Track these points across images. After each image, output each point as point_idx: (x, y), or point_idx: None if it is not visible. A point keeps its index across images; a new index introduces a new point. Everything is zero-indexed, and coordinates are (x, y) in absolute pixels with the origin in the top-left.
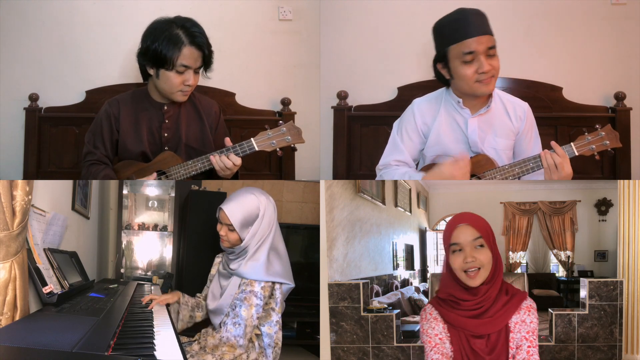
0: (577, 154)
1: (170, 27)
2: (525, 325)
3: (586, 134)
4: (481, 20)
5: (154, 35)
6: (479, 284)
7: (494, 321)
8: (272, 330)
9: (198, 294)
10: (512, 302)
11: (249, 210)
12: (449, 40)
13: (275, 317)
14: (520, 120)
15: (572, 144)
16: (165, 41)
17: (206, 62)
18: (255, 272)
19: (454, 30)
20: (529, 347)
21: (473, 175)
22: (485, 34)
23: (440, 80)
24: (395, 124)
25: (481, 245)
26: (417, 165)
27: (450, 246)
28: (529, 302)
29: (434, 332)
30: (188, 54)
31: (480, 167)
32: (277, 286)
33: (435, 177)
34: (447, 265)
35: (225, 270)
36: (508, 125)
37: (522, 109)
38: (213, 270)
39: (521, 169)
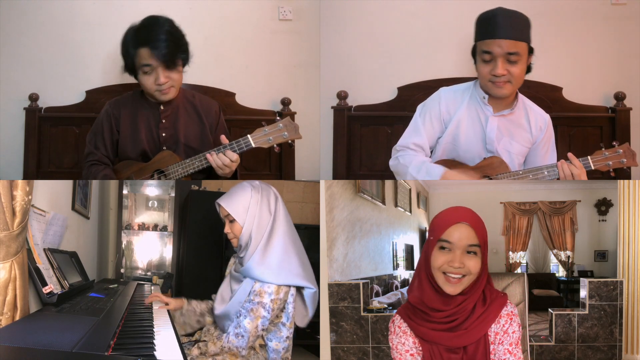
0: (593, 168)
1: (128, 34)
2: (507, 337)
3: (603, 149)
4: (512, 24)
5: (122, 46)
6: (457, 293)
7: (470, 333)
8: (280, 346)
9: (214, 295)
10: (490, 310)
11: (242, 195)
12: (478, 35)
13: (286, 332)
14: (540, 130)
15: (589, 157)
16: (125, 49)
17: (170, 56)
18: (267, 273)
19: (483, 27)
20: None
21: (485, 177)
22: (509, 38)
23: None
24: (419, 107)
25: (474, 253)
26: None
27: (438, 241)
28: (510, 309)
29: (404, 348)
30: (144, 54)
31: (493, 169)
32: (290, 298)
33: (456, 179)
34: (426, 260)
35: (237, 273)
36: (526, 133)
37: (543, 119)
38: (227, 271)
39: (535, 176)
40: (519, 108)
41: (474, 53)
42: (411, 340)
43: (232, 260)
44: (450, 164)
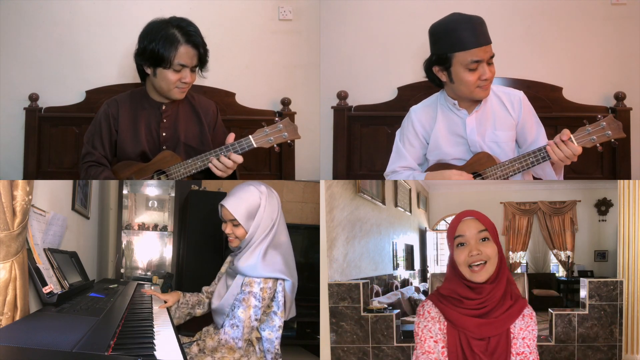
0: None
1: (166, 27)
2: (528, 333)
3: (587, 124)
4: (485, 29)
5: (151, 35)
6: (485, 279)
7: (497, 324)
8: (273, 335)
9: (205, 287)
10: (515, 307)
11: (250, 201)
12: (456, 46)
13: (278, 321)
14: (517, 109)
15: (571, 136)
16: (162, 40)
17: (202, 60)
18: (252, 268)
19: (462, 38)
20: (531, 354)
21: (475, 173)
22: (489, 43)
23: (433, 83)
24: (397, 133)
25: (487, 239)
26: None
27: (454, 239)
28: (531, 311)
29: (429, 334)
30: (184, 53)
31: (481, 164)
32: (279, 288)
33: (437, 178)
34: (452, 260)
35: (231, 270)
36: (506, 117)
37: (517, 97)
38: (223, 269)
39: (521, 163)
40: (490, 97)
41: (441, 63)
42: (437, 326)
43: (228, 258)
44: (440, 167)
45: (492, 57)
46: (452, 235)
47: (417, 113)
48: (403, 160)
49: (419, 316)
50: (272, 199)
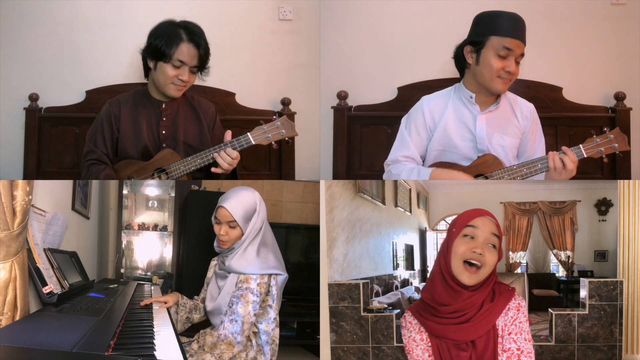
0: (585, 156)
1: (173, 26)
2: (514, 327)
3: (594, 136)
4: (524, 29)
5: (158, 32)
6: (471, 284)
7: (476, 326)
8: (270, 327)
9: (196, 297)
10: (496, 303)
11: (248, 204)
12: (495, 30)
13: (273, 314)
14: (526, 119)
15: (581, 146)
16: (166, 37)
17: (202, 62)
18: (248, 266)
19: (505, 25)
20: (518, 350)
21: (480, 175)
22: (524, 41)
23: (457, 65)
24: (404, 120)
25: (494, 246)
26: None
27: (464, 227)
28: (518, 301)
29: (415, 344)
30: (185, 50)
31: (488, 167)
32: (272, 282)
33: (443, 177)
34: (445, 253)
35: (221, 271)
36: (515, 124)
37: (528, 108)
38: (209, 274)
39: (529, 169)
40: (503, 102)
41: (474, 44)
42: (419, 337)
43: (213, 263)
44: (445, 166)
45: (522, 56)
46: (463, 225)
47: (429, 102)
48: (406, 150)
49: (403, 328)
50: (263, 203)
